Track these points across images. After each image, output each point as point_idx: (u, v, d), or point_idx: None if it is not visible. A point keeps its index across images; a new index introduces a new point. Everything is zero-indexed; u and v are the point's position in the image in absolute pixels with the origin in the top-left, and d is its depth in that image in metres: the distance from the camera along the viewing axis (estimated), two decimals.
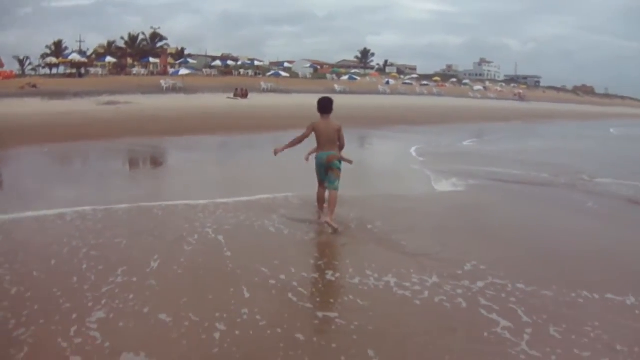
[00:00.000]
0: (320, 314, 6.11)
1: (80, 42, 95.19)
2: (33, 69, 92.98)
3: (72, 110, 34.85)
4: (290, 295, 6.59)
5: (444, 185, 14.17)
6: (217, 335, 5.46)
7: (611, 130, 49.96)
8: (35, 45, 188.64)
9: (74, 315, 5.73)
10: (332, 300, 6.58)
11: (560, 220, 11.26)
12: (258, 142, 24.82)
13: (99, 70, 70.35)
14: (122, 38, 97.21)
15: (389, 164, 19.22)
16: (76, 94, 44.74)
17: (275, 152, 9.71)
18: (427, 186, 14.08)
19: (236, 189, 12.58)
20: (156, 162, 18.66)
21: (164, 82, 55.65)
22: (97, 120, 30.47)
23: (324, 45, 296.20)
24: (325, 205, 9.60)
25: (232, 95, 53.65)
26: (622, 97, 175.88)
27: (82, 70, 66.90)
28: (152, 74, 73.50)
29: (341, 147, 9.59)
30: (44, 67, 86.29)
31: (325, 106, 9.52)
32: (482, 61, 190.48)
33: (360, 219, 10.08)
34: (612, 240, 9.87)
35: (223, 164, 18.30)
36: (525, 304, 6.45)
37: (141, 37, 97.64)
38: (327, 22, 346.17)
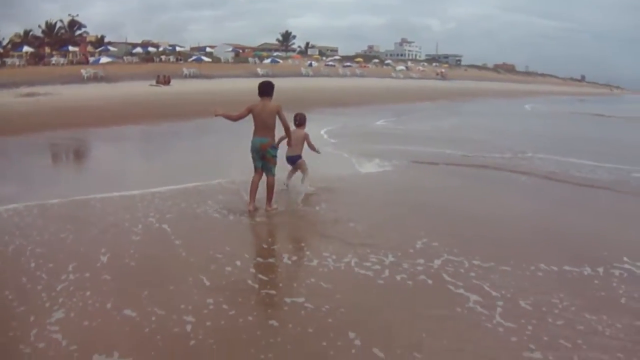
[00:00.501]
0: (288, 300, 6.18)
1: None
2: None
3: None
4: (250, 282, 6.73)
5: (367, 167, 14.53)
6: (188, 327, 5.48)
7: (526, 106, 51.73)
8: None
9: (32, 318, 5.66)
10: (295, 285, 6.67)
11: (492, 195, 12.07)
12: (183, 130, 24.75)
13: (16, 61, 68.01)
14: (40, 27, 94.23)
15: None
16: None
17: (215, 113, 9.82)
18: (348, 169, 14.32)
19: (168, 178, 12.59)
20: (82, 155, 18.45)
21: (84, 71, 54.37)
22: (16, 114, 29.56)
23: (245, 29, 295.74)
24: (258, 196, 9.82)
25: (154, 82, 53.02)
26: (543, 75, 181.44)
27: None
28: (72, 63, 71.48)
29: (285, 128, 9.78)
30: None
31: (263, 89, 9.60)
32: (403, 41, 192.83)
33: (300, 202, 10.47)
34: (535, 210, 10.71)
35: (150, 154, 18.19)
36: (487, 279, 6.76)
37: (59, 25, 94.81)
38: (247, 5, 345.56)
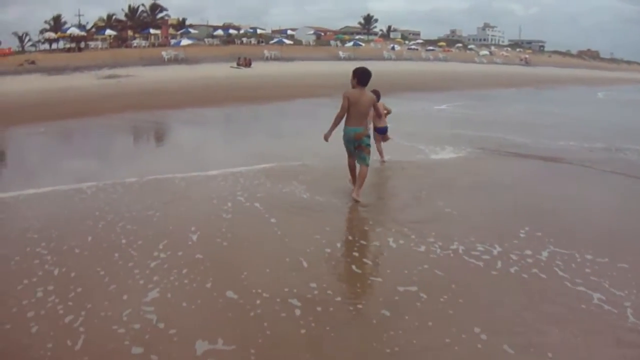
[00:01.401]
0: (401, 288, 5.60)
1: (79, 15, 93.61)
2: (33, 45, 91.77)
3: (72, 86, 34.29)
4: (354, 267, 6.21)
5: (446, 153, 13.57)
6: (297, 312, 5.07)
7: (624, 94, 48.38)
8: (35, 21, 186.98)
9: (125, 297, 5.30)
10: (405, 272, 6.05)
11: (585, 190, 10.64)
12: (264, 114, 24.22)
13: (99, 44, 68.85)
14: (122, 10, 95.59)
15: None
16: (76, 69, 44.15)
17: (326, 138, 9.01)
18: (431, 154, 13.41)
19: (250, 159, 12.14)
20: (161, 137, 17.98)
21: (165, 53, 54.54)
22: (98, 95, 29.94)
23: (326, 12, 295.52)
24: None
25: (235, 64, 52.32)
26: (629, 62, 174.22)
27: (82, 44, 65.40)
28: (153, 45, 72.28)
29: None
30: (43, 43, 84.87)
31: (363, 79, 8.80)
32: (486, 26, 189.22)
33: (390, 187, 10.16)
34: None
35: (231, 136, 17.43)
36: (606, 276, 6.01)
37: (141, 8, 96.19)
38: None
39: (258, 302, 5.18)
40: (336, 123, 8.88)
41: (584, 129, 19.38)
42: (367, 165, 8.98)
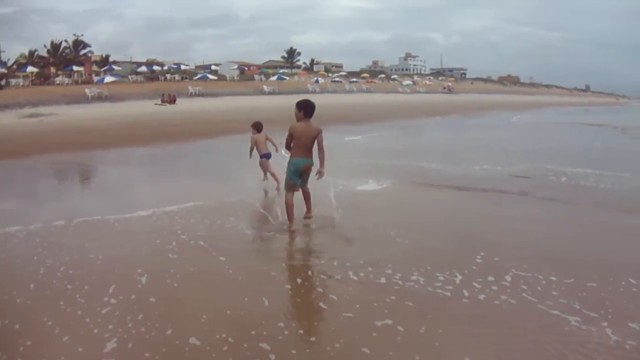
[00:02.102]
0: (378, 323, 5.55)
1: None
2: None
3: None
4: (321, 304, 6.20)
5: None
6: (272, 357, 4.90)
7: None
8: None
9: (80, 349, 5.07)
10: (375, 304, 6.03)
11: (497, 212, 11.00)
12: (190, 151, 23.71)
13: (20, 81, 67.44)
14: (45, 46, 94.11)
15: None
16: None
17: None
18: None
19: (181, 197, 12.01)
20: (86, 178, 17.26)
21: (88, 91, 53.77)
22: (20, 135, 28.98)
23: (250, 46, 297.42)
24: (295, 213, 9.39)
25: (159, 101, 52.23)
26: (547, 86, 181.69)
27: (2, 82, 64.00)
28: (76, 83, 71.08)
29: (322, 156, 9.25)
30: None
31: (308, 110, 9.14)
32: (408, 56, 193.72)
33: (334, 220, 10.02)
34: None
35: (158, 175, 17.14)
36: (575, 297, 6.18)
37: (64, 44, 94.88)
38: (251, 23, 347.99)
39: (225, 348, 5.04)
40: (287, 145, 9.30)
41: (498, 153, 20.46)
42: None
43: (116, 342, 5.16)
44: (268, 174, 13.22)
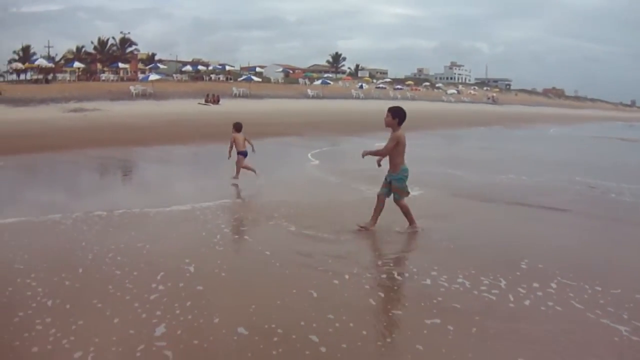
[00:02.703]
0: (428, 321, 5.57)
1: (48, 47, 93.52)
2: (0, 75, 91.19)
3: (37, 118, 34.00)
4: (371, 300, 6.19)
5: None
6: (322, 350, 4.92)
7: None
8: (4, 51, 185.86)
9: (132, 331, 5.18)
10: (422, 304, 6.05)
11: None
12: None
13: (67, 76, 68.87)
14: (92, 43, 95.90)
15: None
16: (42, 101, 44.06)
17: (364, 155, 9.31)
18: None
19: (221, 194, 12.33)
20: (127, 173, 17.54)
21: (133, 88, 54.63)
22: (63, 129, 29.52)
23: (295, 50, 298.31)
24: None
25: (203, 101, 52.74)
26: (592, 100, 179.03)
27: (50, 76, 65.39)
28: (122, 79, 72.25)
29: (378, 152, 9.39)
30: (11, 73, 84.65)
31: (403, 117, 9.09)
32: (453, 64, 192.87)
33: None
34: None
35: (198, 174, 17.33)
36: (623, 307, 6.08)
37: (111, 42, 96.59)
38: (297, 27, 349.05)
39: (275, 339, 5.05)
40: (378, 154, 9.24)
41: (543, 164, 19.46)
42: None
43: (165, 328, 5.24)
44: (240, 173, 14.23)
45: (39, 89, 51.16)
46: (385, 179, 9.15)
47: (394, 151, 8.92)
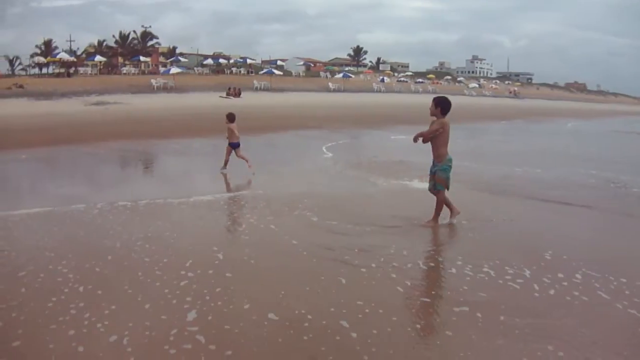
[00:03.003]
0: (455, 309, 5.65)
1: (70, 41, 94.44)
2: (23, 69, 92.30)
3: (58, 112, 34.28)
4: (398, 287, 6.26)
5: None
6: (353, 335, 4.99)
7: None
8: (27, 45, 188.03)
9: (164, 317, 5.31)
10: (449, 293, 6.20)
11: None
12: (254, 145, 23.47)
13: (89, 70, 69.44)
14: (113, 36, 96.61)
15: None
16: (64, 94, 44.38)
17: (415, 139, 9.09)
18: None
19: (243, 186, 12.88)
20: (148, 165, 17.73)
21: (154, 81, 54.97)
22: (85, 122, 29.73)
23: (316, 43, 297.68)
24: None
25: (224, 94, 52.91)
26: (615, 94, 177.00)
27: (71, 70, 65.95)
28: (143, 73, 72.69)
29: (424, 132, 9.16)
30: (33, 67, 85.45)
31: (449, 107, 9.06)
32: (475, 58, 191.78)
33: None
34: None
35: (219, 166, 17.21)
36: None
37: (132, 35, 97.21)
38: (318, 20, 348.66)
39: (306, 324, 5.16)
40: (425, 136, 8.99)
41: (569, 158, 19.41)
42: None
43: (196, 313, 5.36)
44: (227, 164, 14.55)
45: (60, 83, 51.68)
46: (430, 170, 9.14)
47: (439, 140, 8.89)
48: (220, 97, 51.65)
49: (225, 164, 14.50)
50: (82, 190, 12.39)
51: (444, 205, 9.09)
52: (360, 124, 33.82)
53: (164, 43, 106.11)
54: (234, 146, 14.48)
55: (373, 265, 6.92)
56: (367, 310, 5.48)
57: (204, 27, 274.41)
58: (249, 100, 50.53)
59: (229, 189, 12.02)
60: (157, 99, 47.14)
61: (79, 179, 14.42)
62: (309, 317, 5.32)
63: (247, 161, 14.30)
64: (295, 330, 5.06)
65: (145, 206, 10.14)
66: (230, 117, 14.70)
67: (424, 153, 9.80)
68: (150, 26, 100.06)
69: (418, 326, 5.32)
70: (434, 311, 5.70)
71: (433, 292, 6.27)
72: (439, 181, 8.93)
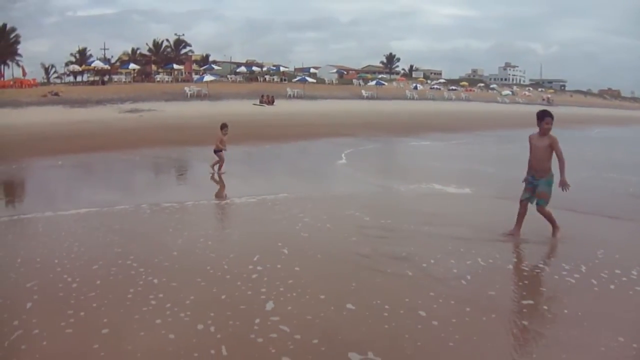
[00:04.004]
0: (524, 302, 5.94)
1: (104, 49, 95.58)
2: (58, 77, 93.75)
3: (93, 119, 34.77)
4: (462, 281, 6.40)
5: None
6: (435, 323, 5.21)
7: None
8: (62, 53, 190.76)
9: (242, 306, 5.53)
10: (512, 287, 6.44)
11: None
12: (288, 152, 23.35)
13: (123, 78, 70.33)
14: (147, 45, 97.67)
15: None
16: (98, 102, 44.85)
17: (563, 186, 8.52)
18: None
19: (289, 188, 13.00)
20: (182, 172, 17.81)
21: (188, 88, 55.29)
22: (119, 129, 29.93)
23: (349, 51, 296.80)
24: None
25: (257, 102, 53.19)
26: None
27: (106, 78, 66.81)
28: (176, 80, 73.25)
29: (561, 163, 8.65)
30: (68, 75, 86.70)
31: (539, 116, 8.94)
32: (507, 65, 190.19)
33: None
34: None
35: (265, 172, 17.39)
36: None
37: (165, 43, 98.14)
38: (351, 27, 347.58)
39: (385, 314, 5.35)
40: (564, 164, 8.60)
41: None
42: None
43: (274, 303, 5.54)
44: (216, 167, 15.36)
45: (95, 90, 52.32)
46: (530, 182, 8.87)
47: (547, 153, 8.66)
48: (254, 104, 51.90)
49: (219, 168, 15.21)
50: (124, 192, 12.72)
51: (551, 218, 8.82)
52: (394, 131, 33.51)
53: (197, 51, 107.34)
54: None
55: (432, 261, 7.10)
56: (440, 301, 5.66)
57: (237, 35, 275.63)
58: (282, 107, 50.79)
59: (268, 192, 11.97)
60: (191, 106, 47.44)
61: (118, 183, 14.51)
62: (386, 307, 5.48)
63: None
64: (375, 319, 5.23)
65: (195, 206, 10.52)
66: (223, 127, 15.67)
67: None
68: (183, 34, 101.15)
69: (493, 315, 5.44)
70: (503, 304, 5.85)
71: (497, 286, 6.33)
72: (542, 197, 8.63)
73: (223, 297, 5.71)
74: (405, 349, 4.74)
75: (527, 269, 7.16)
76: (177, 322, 5.15)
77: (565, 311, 5.68)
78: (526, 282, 6.60)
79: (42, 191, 13.02)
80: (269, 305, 5.48)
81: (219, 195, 12.27)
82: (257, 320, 5.15)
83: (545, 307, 5.79)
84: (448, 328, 5.07)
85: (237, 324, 5.11)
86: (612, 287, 6.39)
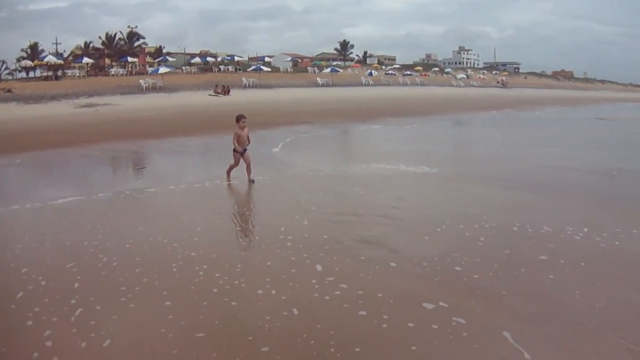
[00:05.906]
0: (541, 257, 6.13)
1: (56, 44, 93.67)
2: (10, 73, 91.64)
3: (49, 115, 34.48)
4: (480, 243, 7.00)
5: None
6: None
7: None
8: (12, 49, 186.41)
9: (260, 292, 6.05)
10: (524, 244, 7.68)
11: None
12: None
13: (76, 72, 69.08)
14: (100, 38, 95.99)
15: None
16: (53, 97, 44.20)
17: None
18: None
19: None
20: (139, 163, 17.76)
21: (143, 81, 54.73)
22: (76, 125, 29.65)
23: (303, 39, 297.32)
24: None
25: (213, 92, 52.63)
26: (602, 81, 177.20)
27: (59, 73, 65.54)
28: (130, 73, 72.33)
29: None
30: (20, 71, 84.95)
31: None
32: (461, 49, 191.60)
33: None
34: None
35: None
36: None
37: (118, 36, 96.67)
38: (304, 15, 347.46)
39: (437, 279, 6.34)
40: None
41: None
42: None
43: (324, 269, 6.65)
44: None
45: (49, 86, 51.38)
46: None
47: None
48: (210, 95, 51.51)
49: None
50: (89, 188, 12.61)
51: None
52: (351, 117, 34.00)
53: (151, 43, 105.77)
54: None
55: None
56: (464, 278, 6.43)
57: (191, 26, 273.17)
58: (238, 97, 50.41)
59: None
60: (147, 99, 47.08)
61: (78, 178, 14.50)
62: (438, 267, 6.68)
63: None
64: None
65: (195, 188, 12.12)
66: (240, 119, 13.32)
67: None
68: (136, 26, 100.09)
69: (515, 272, 6.58)
70: (523, 260, 7.03)
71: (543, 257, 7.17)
72: None
73: (268, 263, 6.95)
74: None
75: None
76: (234, 289, 5.95)
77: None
78: None
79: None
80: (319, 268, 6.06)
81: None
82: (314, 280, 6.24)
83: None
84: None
85: (297, 286, 6.09)
86: None
